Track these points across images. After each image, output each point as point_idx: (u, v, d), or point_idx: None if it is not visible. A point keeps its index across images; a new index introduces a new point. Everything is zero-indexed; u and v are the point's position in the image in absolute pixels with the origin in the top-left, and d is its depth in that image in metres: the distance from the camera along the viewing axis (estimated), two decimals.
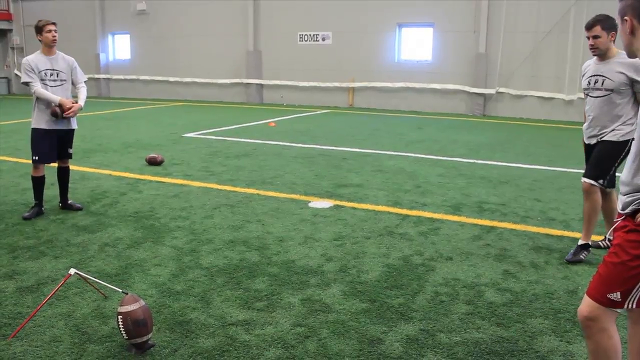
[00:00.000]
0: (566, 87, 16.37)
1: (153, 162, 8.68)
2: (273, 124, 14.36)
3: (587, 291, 2.29)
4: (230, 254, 4.79)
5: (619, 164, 4.49)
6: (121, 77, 24.44)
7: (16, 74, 26.80)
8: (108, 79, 24.79)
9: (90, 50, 24.27)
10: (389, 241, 5.12)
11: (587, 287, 2.33)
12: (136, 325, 3.13)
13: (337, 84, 19.87)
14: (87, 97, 6.07)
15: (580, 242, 4.70)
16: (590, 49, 4.50)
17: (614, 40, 4.43)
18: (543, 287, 4.11)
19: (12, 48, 26.84)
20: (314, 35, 20.19)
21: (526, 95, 17.05)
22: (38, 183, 5.92)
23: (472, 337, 3.37)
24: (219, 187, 7.27)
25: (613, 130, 4.52)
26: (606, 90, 4.49)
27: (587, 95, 4.69)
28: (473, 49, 17.50)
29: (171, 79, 23.11)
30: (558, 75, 16.45)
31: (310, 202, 6.48)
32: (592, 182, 4.57)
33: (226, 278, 4.26)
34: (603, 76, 4.50)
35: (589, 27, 4.43)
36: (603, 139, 4.58)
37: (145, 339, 3.17)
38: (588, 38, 4.46)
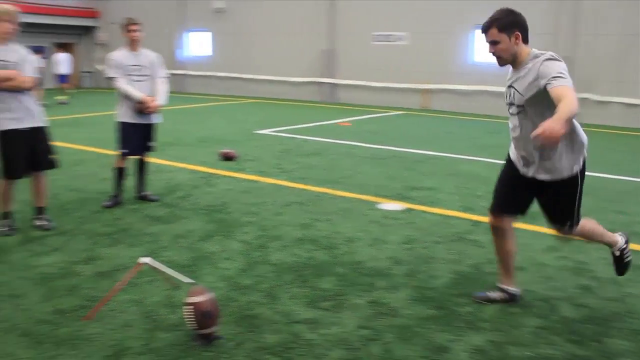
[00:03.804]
0: None
1: (227, 157, 8.85)
2: (348, 124, 14.37)
3: None
4: (298, 251, 4.80)
5: (578, 203, 3.65)
6: (198, 73, 25.13)
7: (99, 69, 28.02)
8: (185, 74, 25.53)
9: (169, 46, 25.06)
10: (460, 247, 5.00)
11: None
12: (203, 317, 3.18)
13: (411, 86, 19.67)
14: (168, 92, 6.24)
15: None
16: (497, 60, 3.54)
17: (521, 41, 3.44)
18: (624, 306, 3.89)
19: (98, 44, 28.06)
20: (389, 35, 20.07)
21: (611, 102, 16.29)
22: (120, 174, 6.13)
23: (544, 352, 3.23)
24: (290, 184, 7.32)
25: (554, 164, 3.51)
26: (518, 106, 3.52)
27: (509, 112, 3.72)
28: (552, 51, 16.86)
29: (246, 76, 23.55)
30: None
31: (380, 203, 6.42)
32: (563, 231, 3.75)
33: (294, 275, 4.27)
34: (514, 88, 3.52)
35: (483, 30, 3.48)
36: (546, 179, 3.57)
37: (211, 330, 3.22)
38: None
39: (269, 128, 13.01)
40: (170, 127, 12.40)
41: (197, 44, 25.45)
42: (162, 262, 4.04)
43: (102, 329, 3.38)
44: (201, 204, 6.25)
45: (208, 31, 24.80)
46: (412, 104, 19.76)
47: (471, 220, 5.83)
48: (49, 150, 5.24)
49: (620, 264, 3.89)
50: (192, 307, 3.20)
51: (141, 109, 5.88)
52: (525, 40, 3.47)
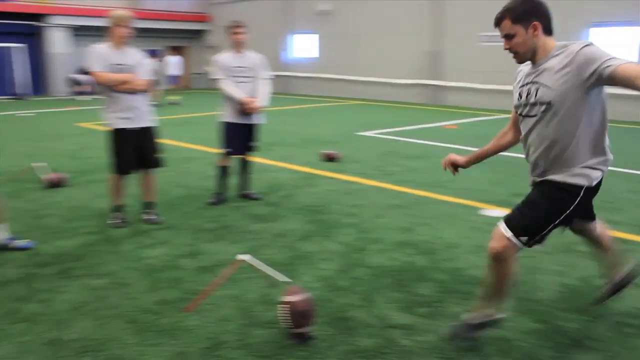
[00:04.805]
0: None
1: (329, 158, 8.90)
2: (454, 126, 14.05)
3: None
4: (397, 255, 4.73)
5: (560, 223, 3.02)
6: (303, 74, 25.56)
7: (208, 71, 29.21)
8: (291, 76, 26.04)
9: (275, 48, 25.66)
10: (569, 259, 4.71)
11: None
12: (298, 316, 3.20)
13: None
14: (272, 93, 6.35)
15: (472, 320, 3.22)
16: (513, 56, 3.02)
17: (542, 32, 2.90)
18: None
19: (208, 47, 29.25)
20: (496, 36, 19.40)
21: None
22: (224, 173, 6.32)
23: None
24: (392, 187, 7.24)
25: (564, 169, 3.00)
26: (542, 103, 2.92)
27: (520, 115, 3.16)
28: None
29: (350, 77, 23.64)
30: None
31: (484, 209, 6.20)
32: (510, 235, 2.99)
33: (391, 279, 4.20)
34: (537, 83, 2.94)
35: (496, 23, 2.98)
36: (546, 177, 3.10)
37: (306, 330, 3.23)
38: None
39: (372, 130, 12.96)
40: (275, 128, 12.67)
41: (302, 46, 25.88)
42: (261, 260, 4.11)
43: (200, 322, 3.48)
44: (302, 203, 6.32)
45: (314, 33, 25.16)
46: None
47: None
48: (156, 149, 5.49)
49: (467, 334, 3.24)
50: (287, 306, 3.23)
51: (243, 109, 6.03)
52: (548, 31, 2.94)
